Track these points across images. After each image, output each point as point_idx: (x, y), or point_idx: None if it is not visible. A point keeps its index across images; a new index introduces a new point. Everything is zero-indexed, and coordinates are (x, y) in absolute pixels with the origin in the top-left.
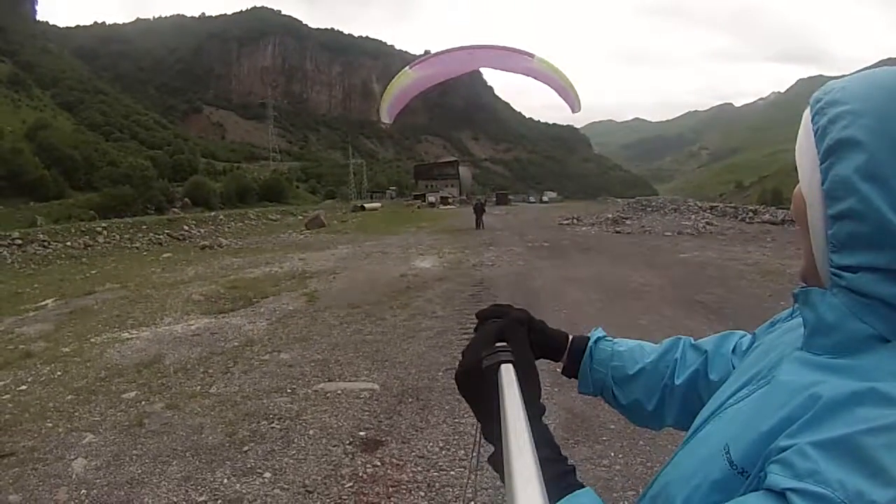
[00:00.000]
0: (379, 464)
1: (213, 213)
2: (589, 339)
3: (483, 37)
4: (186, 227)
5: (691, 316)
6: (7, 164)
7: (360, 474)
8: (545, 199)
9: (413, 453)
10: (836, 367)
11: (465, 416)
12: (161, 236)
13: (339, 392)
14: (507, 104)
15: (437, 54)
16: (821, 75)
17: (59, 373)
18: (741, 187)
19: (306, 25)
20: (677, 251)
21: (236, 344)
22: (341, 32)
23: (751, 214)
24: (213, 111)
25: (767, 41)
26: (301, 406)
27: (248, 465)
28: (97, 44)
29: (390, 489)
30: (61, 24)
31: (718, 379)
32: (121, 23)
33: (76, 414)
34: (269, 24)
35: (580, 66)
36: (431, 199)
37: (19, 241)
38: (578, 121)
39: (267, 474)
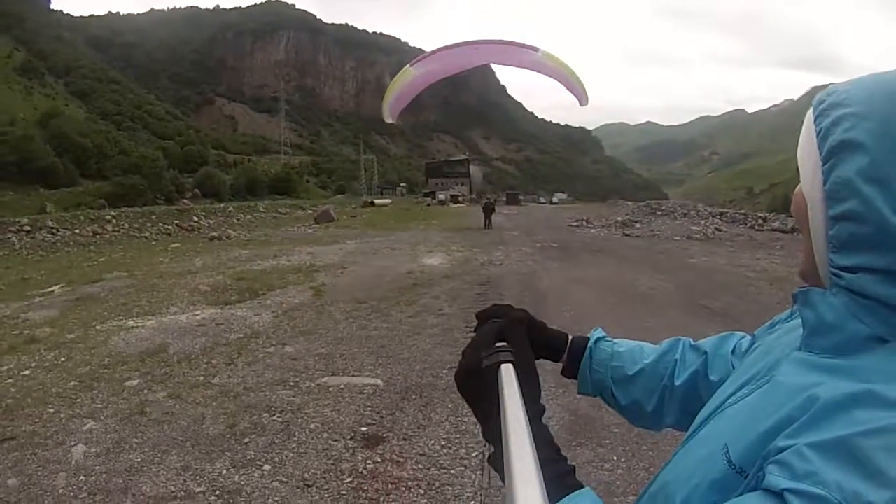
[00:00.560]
0: (379, 460)
1: (222, 205)
2: (588, 339)
3: (497, 35)
4: (196, 218)
5: (699, 321)
6: (18, 151)
7: (360, 470)
8: (555, 199)
9: (414, 450)
10: (835, 368)
11: (468, 414)
12: (170, 226)
13: (342, 387)
14: (519, 104)
15: (438, 50)
16: (833, 83)
17: (62, 359)
18: (752, 194)
19: (320, 20)
20: (686, 256)
21: (241, 335)
22: (355, 28)
23: (760, 221)
24: (226, 103)
25: (781, 47)
26: (303, 399)
27: (248, 457)
28: (111, 33)
29: (390, 486)
30: (75, 14)
31: (718, 379)
32: (135, 13)
33: (78, 400)
34: (283, 18)
35: (593, 68)
36: (441, 196)
37: (28, 228)
38: (590, 123)
39: (266, 467)
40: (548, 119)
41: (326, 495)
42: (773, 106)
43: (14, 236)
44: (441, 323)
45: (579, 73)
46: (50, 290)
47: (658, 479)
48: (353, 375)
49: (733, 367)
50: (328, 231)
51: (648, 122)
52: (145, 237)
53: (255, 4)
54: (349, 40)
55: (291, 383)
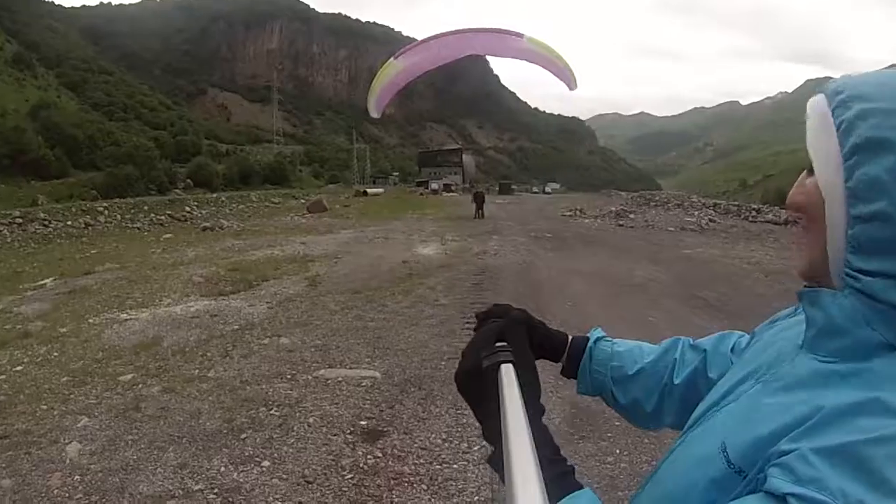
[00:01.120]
0: (380, 455)
1: (215, 195)
2: (588, 339)
3: (492, 23)
4: (188, 209)
5: (696, 312)
6: (9, 143)
7: (361, 465)
8: (548, 189)
9: (415, 444)
10: (842, 373)
11: (468, 408)
12: (162, 217)
13: (339, 379)
14: (513, 93)
15: (423, 41)
16: (829, 77)
17: (55, 353)
18: (745, 185)
19: (313, 9)
20: (681, 247)
21: (236, 327)
22: (348, 17)
23: (754, 213)
24: (219, 93)
25: (777, 40)
26: (301, 393)
27: (246, 454)
28: (103, 24)
29: (392, 482)
30: (67, 4)
31: (717, 377)
32: (127, 3)
33: (72, 396)
34: (275, 7)
35: (588, 58)
36: (434, 186)
37: (20, 220)
38: (584, 113)
39: (265, 463)
40: (542, 109)
41: (328, 492)
42: (768, 98)
43: (6, 229)
44: (438, 313)
45: (574, 64)
46: (42, 282)
47: (656, 476)
48: (351, 368)
49: (732, 365)
50: (321, 220)
51: (643, 112)
52: (137, 228)
53: None
54: (342, 30)
55: (288, 376)
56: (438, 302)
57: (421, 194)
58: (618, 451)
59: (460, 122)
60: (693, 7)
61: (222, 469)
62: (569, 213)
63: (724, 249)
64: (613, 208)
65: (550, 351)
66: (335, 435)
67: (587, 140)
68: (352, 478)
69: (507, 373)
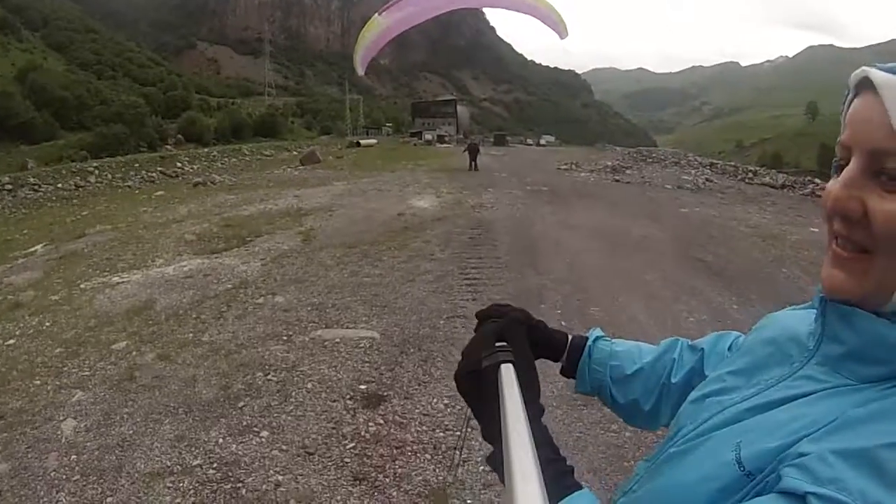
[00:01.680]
0: (382, 422)
1: (206, 150)
2: (587, 338)
3: None
4: (179, 164)
5: (694, 275)
6: None
7: (363, 433)
8: (542, 142)
9: (417, 410)
10: (868, 398)
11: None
12: (153, 174)
13: (337, 340)
14: (509, 45)
15: None
16: (832, 45)
17: (47, 324)
18: (741, 147)
19: None
20: (678, 205)
21: (229, 286)
22: None
23: (750, 175)
24: (208, 47)
25: (780, 6)
26: (298, 356)
27: (244, 423)
28: None
29: (395, 450)
30: None
31: None
32: None
33: (65, 369)
34: None
35: (586, 10)
36: (428, 136)
37: (9, 186)
38: (580, 66)
39: (264, 433)
40: (538, 62)
41: (329, 463)
42: (768, 61)
43: None
44: (434, 269)
45: (571, 16)
46: (33, 249)
47: (656, 473)
48: (348, 327)
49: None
50: (314, 173)
51: (640, 68)
52: (129, 187)
53: None
54: None
55: (284, 337)
56: (435, 256)
57: (414, 145)
58: (622, 420)
59: (455, 74)
60: None
61: (220, 441)
62: (564, 167)
63: (720, 210)
64: (609, 163)
65: (550, 350)
66: (335, 401)
67: (583, 93)
68: (353, 447)
69: (507, 373)
